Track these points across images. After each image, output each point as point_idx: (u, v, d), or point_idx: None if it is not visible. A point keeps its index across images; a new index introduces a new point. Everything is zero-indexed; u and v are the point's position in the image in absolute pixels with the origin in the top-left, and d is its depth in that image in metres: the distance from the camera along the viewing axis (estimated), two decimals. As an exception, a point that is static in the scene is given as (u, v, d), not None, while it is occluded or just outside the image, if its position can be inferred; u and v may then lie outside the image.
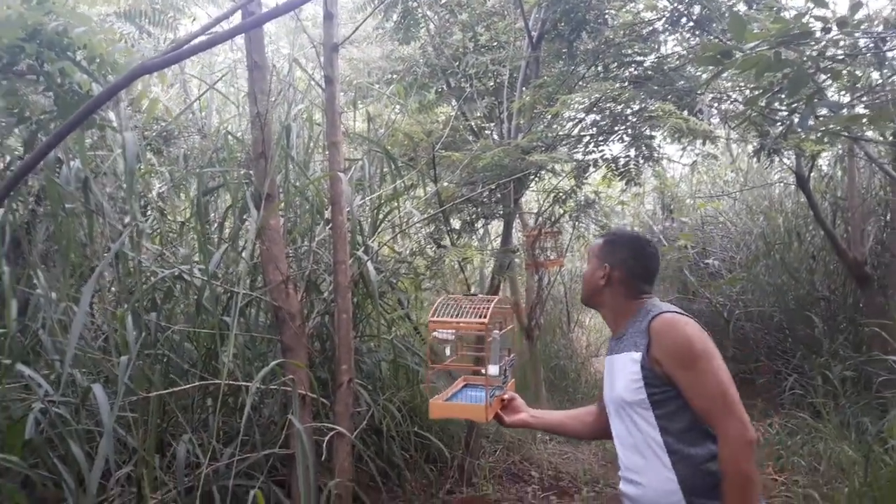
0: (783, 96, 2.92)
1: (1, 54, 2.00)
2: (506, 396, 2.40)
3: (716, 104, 4.42)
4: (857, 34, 2.55)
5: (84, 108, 1.53)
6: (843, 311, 6.85)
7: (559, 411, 2.51)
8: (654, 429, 1.92)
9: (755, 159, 5.15)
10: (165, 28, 5.03)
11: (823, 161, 7.49)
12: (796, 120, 3.09)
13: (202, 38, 1.80)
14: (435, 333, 2.33)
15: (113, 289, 3.56)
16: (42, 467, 2.74)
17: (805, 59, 2.51)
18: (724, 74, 3.71)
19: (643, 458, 1.95)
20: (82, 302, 2.31)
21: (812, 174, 6.54)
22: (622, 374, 2.00)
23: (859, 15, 2.51)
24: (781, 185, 8.66)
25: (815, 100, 2.83)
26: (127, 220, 3.69)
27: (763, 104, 3.28)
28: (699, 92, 3.80)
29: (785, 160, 6.03)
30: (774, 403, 6.30)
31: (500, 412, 2.35)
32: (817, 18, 2.36)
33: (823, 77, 3.06)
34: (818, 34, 2.35)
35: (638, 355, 1.95)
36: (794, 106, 2.94)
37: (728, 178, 9.94)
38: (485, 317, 2.23)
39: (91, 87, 2.06)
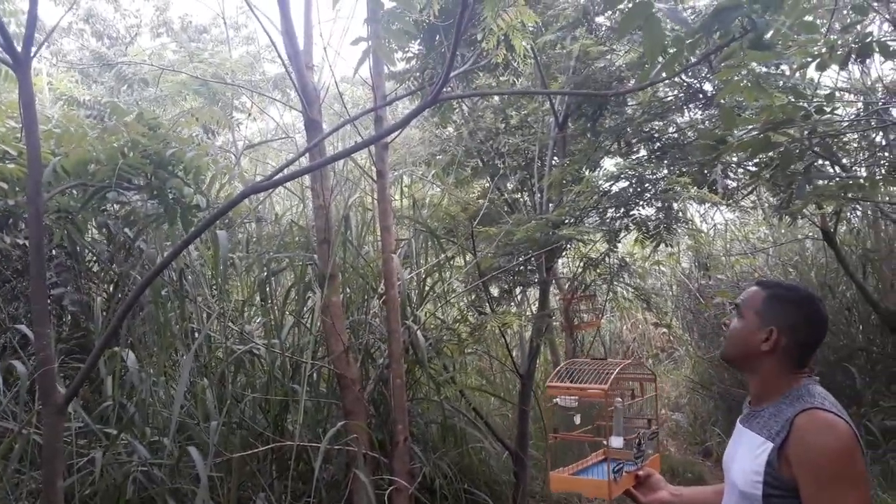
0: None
1: (125, 173, 2.50)
2: (640, 472, 2.14)
3: (730, 173, 4.80)
4: (836, 117, 2.92)
5: (211, 218, 2.00)
6: (882, 362, 6.95)
7: (706, 486, 2.18)
8: None
9: (779, 218, 5.48)
10: (228, 128, 5.66)
11: (853, 214, 7.70)
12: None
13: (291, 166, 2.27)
14: (556, 400, 2.20)
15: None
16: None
17: (792, 141, 2.88)
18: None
19: None
20: (182, 376, 2.74)
21: (841, 228, 6.79)
22: (745, 457, 1.73)
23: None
24: (812, 239, 8.85)
25: (811, 171, 3.18)
26: (202, 301, 4.16)
27: (768, 176, 3.65)
28: (713, 164, 4.18)
29: (811, 217, 6.30)
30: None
31: (633, 489, 2.11)
32: (797, 108, 2.74)
33: (818, 150, 3.41)
34: (799, 121, 2.72)
35: (769, 447, 1.66)
36: (790, 177, 3.30)
37: (760, 234, 10.15)
38: (606, 382, 2.09)
39: (194, 199, 2.55)
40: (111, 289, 4.32)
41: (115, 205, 3.20)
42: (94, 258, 4.35)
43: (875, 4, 3.79)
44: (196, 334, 3.67)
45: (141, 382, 3.26)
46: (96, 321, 3.74)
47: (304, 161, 3.36)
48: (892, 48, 3.26)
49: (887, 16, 3.66)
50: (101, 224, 4.30)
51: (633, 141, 5.28)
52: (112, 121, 2.49)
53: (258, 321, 4.81)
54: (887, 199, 5.47)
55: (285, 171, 2.18)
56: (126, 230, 3.62)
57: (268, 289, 4.37)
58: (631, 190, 5.00)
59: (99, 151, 2.43)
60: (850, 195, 3.75)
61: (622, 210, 5.24)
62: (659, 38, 1.38)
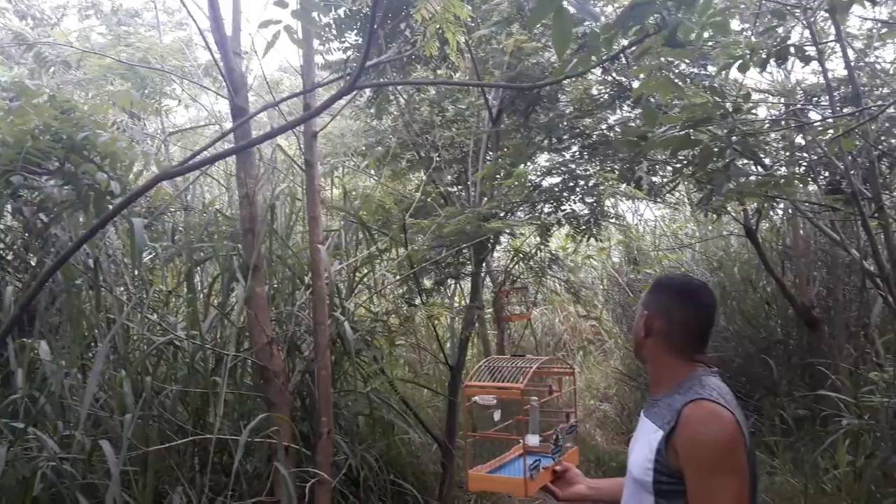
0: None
1: (34, 156, 2.39)
2: (558, 467, 2.15)
3: (658, 170, 4.93)
4: (753, 115, 3.02)
5: (119, 205, 1.92)
6: (797, 354, 7.25)
7: (624, 478, 2.10)
8: None
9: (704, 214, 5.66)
10: (155, 114, 5.47)
11: (774, 212, 8.00)
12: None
13: (209, 148, 2.20)
14: (475, 399, 2.19)
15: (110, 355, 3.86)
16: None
17: (712, 138, 2.96)
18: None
19: None
20: (95, 367, 2.64)
21: (763, 225, 7.04)
22: (640, 446, 1.77)
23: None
24: (736, 236, 9.17)
25: (730, 169, 3.29)
26: (122, 291, 4.03)
27: (690, 173, 3.76)
28: (639, 161, 4.29)
29: (734, 214, 6.52)
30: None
31: (550, 485, 2.12)
32: (716, 106, 2.82)
33: (738, 148, 3.52)
34: (717, 119, 2.81)
35: (659, 435, 1.69)
36: (711, 174, 3.40)
37: (688, 230, 10.46)
38: (523, 381, 2.08)
39: (109, 185, 2.46)
40: (26, 277, 4.13)
41: (32, 191, 3.05)
42: (8, 246, 4.16)
43: (797, 12, 3.93)
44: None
45: (53, 374, 3.13)
46: (6, 311, 3.57)
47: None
48: (807, 53, 3.40)
49: (804, 21, 3.82)
50: (16, 210, 4.10)
51: (565, 137, 5.36)
52: (20, 102, 2.39)
53: (183, 312, 4.69)
54: (805, 197, 5.71)
55: (202, 155, 2.12)
56: (41, 216, 3.47)
57: (195, 279, 4.26)
58: (562, 185, 5.08)
59: (5, 134, 2.32)
60: (769, 193, 3.90)
61: (554, 204, 5.32)
62: (568, 32, 1.40)
